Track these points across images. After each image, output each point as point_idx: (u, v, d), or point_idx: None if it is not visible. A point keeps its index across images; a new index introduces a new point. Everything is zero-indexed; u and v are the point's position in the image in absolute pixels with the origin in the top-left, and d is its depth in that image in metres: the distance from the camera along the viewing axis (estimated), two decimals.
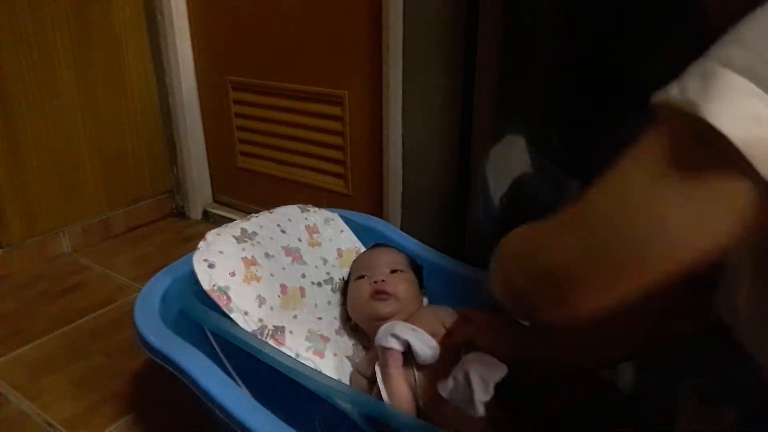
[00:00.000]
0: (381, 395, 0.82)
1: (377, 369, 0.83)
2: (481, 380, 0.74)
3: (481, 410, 0.72)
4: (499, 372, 0.75)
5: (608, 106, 1.06)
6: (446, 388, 0.76)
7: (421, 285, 1.06)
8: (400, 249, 1.12)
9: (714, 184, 0.43)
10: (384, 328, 0.84)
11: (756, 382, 0.54)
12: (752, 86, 0.41)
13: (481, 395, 0.73)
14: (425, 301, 1.04)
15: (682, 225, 0.44)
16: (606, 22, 1.02)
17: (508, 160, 1.26)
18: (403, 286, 0.99)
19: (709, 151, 0.42)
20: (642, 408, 0.84)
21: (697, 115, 0.41)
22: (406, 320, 0.94)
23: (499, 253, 0.63)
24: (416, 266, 1.08)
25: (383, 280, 0.99)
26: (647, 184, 0.45)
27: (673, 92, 0.44)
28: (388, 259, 1.05)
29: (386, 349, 0.82)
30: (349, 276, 1.08)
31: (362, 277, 1.02)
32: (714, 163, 0.42)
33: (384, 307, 0.96)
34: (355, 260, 1.11)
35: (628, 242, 0.46)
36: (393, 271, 1.01)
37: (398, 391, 0.81)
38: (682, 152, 0.44)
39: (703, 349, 0.72)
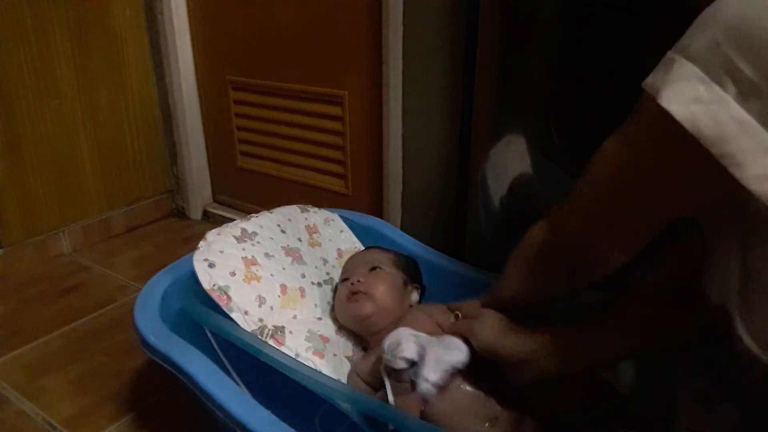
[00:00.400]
0: (386, 399, 0.82)
1: (388, 385, 0.82)
2: (435, 361, 0.76)
3: (423, 387, 0.75)
4: (456, 356, 0.78)
5: (608, 106, 1.06)
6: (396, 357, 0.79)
7: (415, 281, 1.05)
8: (395, 249, 1.11)
9: (676, 156, 0.52)
10: (390, 345, 0.82)
11: (755, 383, 0.54)
12: (699, 72, 0.48)
13: (429, 374, 0.75)
14: (415, 297, 1.03)
15: (660, 187, 0.55)
16: (606, 22, 1.02)
17: (508, 160, 1.26)
18: (380, 284, 0.98)
19: (668, 127, 0.49)
20: (642, 408, 0.84)
21: (655, 99, 0.50)
22: (399, 322, 0.94)
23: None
24: (405, 264, 1.06)
25: (359, 280, 0.98)
26: (631, 156, 0.58)
27: (649, 79, 0.53)
28: (369, 258, 1.04)
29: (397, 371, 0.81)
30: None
31: (345, 280, 1.02)
32: (672, 137, 0.50)
33: (359, 309, 0.96)
34: (344, 264, 1.11)
35: (622, 200, 0.60)
36: (372, 269, 1.01)
37: (410, 406, 0.81)
38: (654, 129, 0.54)
39: (702, 349, 0.72)
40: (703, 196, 0.53)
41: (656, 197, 0.56)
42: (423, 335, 0.83)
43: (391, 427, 0.75)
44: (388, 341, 0.82)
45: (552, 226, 0.73)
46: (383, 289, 0.97)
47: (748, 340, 0.52)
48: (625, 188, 0.59)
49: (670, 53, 0.51)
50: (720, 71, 0.46)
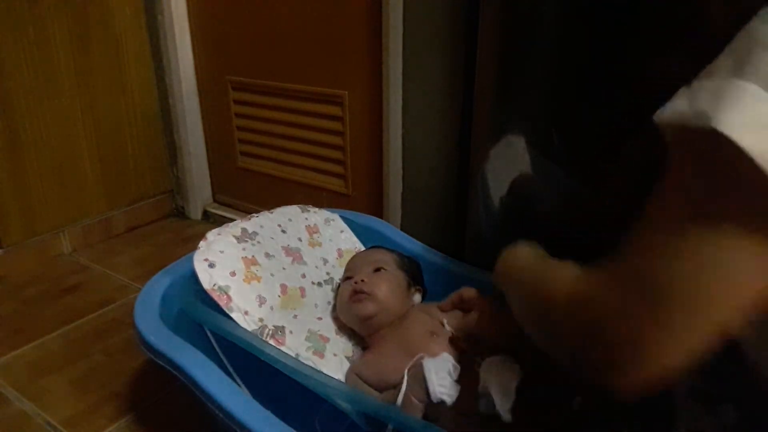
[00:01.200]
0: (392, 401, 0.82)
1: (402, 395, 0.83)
2: (502, 392, 0.76)
3: (508, 417, 0.75)
4: (515, 378, 0.78)
5: (609, 106, 1.06)
6: (479, 403, 0.78)
7: (417, 283, 1.05)
8: (396, 249, 1.11)
9: (749, 212, 0.40)
10: (428, 371, 0.81)
11: (754, 383, 0.54)
12: (762, 92, 0.39)
13: (505, 404, 0.75)
14: (417, 298, 1.04)
15: (735, 264, 0.41)
16: (607, 21, 1.02)
17: (508, 161, 1.26)
18: (384, 284, 0.98)
19: (733, 173, 0.39)
20: (641, 407, 0.84)
21: (710, 126, 0.39)
22: (402, 322, 0.94)
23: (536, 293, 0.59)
24: (409, 265, 1.07)
25: (362, 280, 0.98)
26: (688, 230, 0.42)
27: (680, 107, 0.42)
28: (373, 258, 1.05)
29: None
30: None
31: (348, 279, 1.02)
32: (742, 187, 0.39)
33: (362, 309, 0.96)
34: (347, 263, 1.11)
35: (684, 289, 0.42)
36: (377, 270, 1.01)
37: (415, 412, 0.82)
38: (708, 181, 0.42)
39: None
40: None
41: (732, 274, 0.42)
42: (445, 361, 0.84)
43: (391, 427, 0.75)
44: (423, 369, 0.82)
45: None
46: (386, 289, 0.98)
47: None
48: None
49: (712, 79, 0.42)
50: None
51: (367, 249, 1.14)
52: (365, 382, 0.92)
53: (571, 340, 0.52)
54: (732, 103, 0.39)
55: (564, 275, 0.56)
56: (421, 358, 0.83)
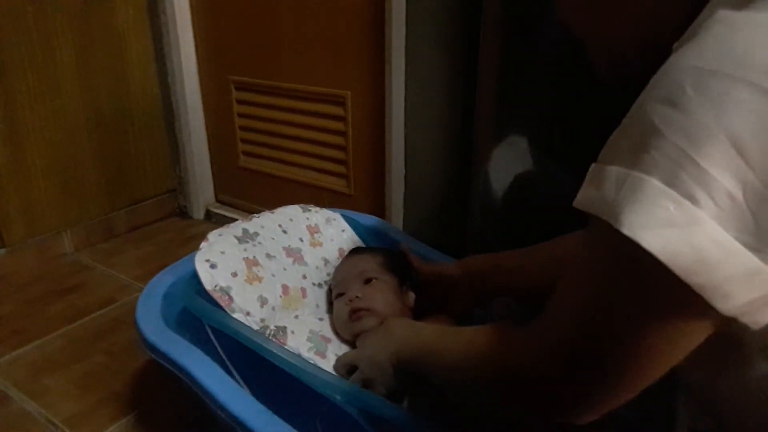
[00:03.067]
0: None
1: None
2: None
3: None
4: None
5: (610, 106, 1.06)
6: None
7: (406, 279, 1.04)
8: (393, 248, 1.10)
9: (649, 300, 0.43)
10: None
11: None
12: (663, 186, 0.40)
13: None
14: (411, 296, 1.02)
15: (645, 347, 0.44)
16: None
17: (510, 160, 1.26)
18: (379, 295, 0.97)
19: (632, 260, 0.41)
20: (641, 406, 0.84)
21: (614, 226, 0.41)
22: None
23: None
24: (394, 264, 1.04)
25: (357, 297, 0.96)
26: (606, 305, 0.46)
27: (591, 194, 0.44)
28: (360, 269, 1.02)
29: None
30: (329, 290, 1.06)
31: (340, 295, 0.99)
32: (645, 280, 0.42)
33: (365, 325, 0.94)
34: (333, 273, 1.08)
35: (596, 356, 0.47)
36: (367, 281, 0.98)
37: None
38: (612, 271, 0.45)
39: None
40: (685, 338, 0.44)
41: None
42: None
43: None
44: None
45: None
46: (382, 300, 0.96)
47: None
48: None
49: (614, 168, 0.43)
50: (690, 182, 0.39)
51: (349, 255, 1.09)
52: None
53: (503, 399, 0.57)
54: (633, 201, 0.40)
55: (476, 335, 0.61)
56: None
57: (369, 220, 1.29)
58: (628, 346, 0.44)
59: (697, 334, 0.43)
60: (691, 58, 0.41)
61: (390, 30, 1.37)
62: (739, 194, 0.38)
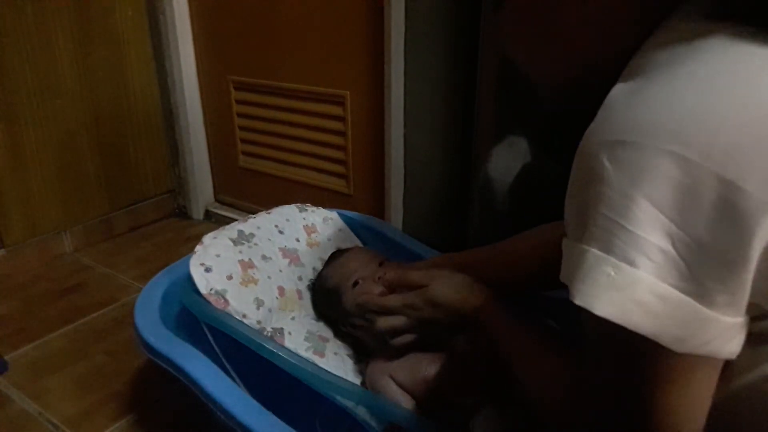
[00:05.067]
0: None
1: None
2: None
3: None
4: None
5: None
6: None
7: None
8: (394, 249, 1.10)
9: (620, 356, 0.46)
10: None
11: None
12: (600, 253, 0.43)
13: None
14: None
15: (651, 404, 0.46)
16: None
17: (510, 160, 1.26)
18: (399, 272, 0.95)
19: (599, 325, 0.44)
20: None
21: (572, 300, 0.44)
22: None
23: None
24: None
25: (384, 274, 0.92)
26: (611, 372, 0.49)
27: (564, 266, 0.48)
28: (369, 255, 1.01)
29: None
30: (326, 291, 1.01)
31: (358, 282, 0.95)
32: (609, 341, 0.46)
33: None
34: (326, 276, 1.04)
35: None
36: (381, 264, 0.98)
37: None
38: (596, 335, 0.48)
39: None
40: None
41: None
42: None
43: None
44: None
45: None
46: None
47: None
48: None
49: (567, 242, 0.47)
50: (623, 246, 0.42)
51: (344, 253, 1.06)
52: (401, 385, 0.85)
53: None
54: (579, 272, 0.44)
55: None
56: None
57: (366, 219, 1.29)
58: (635, 394, 0.47)
59: (693, 368, 0.45)
60: (602, 132, 0.44)
61: (389, 30, 1.37)
62: (669, 247, 0.41)
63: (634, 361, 0.45)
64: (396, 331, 0.83)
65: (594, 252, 0.43)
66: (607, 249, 0.43)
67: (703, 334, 0.42)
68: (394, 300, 0.83)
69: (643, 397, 0.46)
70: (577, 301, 0.44)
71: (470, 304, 0.77)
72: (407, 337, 0.84)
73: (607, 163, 0.42)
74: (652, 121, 0.42)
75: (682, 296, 0.41)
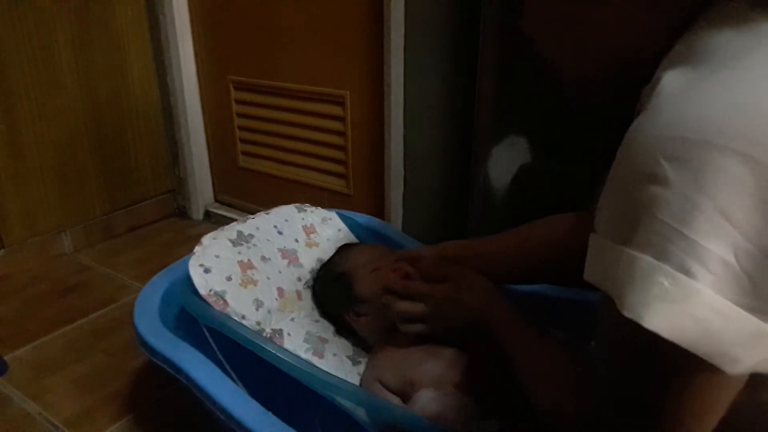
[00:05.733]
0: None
1: None
2: None
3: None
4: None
5: (611, 105, 1.06)
6: None
7: None
8: (394, 249, 1.10)
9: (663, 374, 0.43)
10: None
11: None
12: (655, 262, 0.39)
13: None
14: None
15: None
16: None
17: (510, 160, 1.26)
18: (413, 270, 0.97)
19: (640, 335, 0.40)
20: None
21: (619, 310, 0.41)
22: None
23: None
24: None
25: (401, 267, 0.95)
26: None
27: (595, 270, 0.44)
28: (385, 250, 1.02)
29: None
30: (335, 276, 1.02)
31: (377, 269, 0.96)
32: (649, 346, 0.41)
33: None
34: (337, 262, 1.05)
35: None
36: (397, 259, 0.98)
37: None
38: (621, 348, 0.46)
39: None
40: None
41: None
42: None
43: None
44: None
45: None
46: (418, 275, 0.97)
47: None
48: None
49: (608, 243, 0.43)
50: (681, 255, 0.38)
51: (357, 246, 1.09)
52: (387, 388, 0.87)
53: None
54: (630, 280, 0.40)
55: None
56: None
57: (365, 219, 1.29)
58: (662, 411, 0.44)
59: (727, 387, 0.42)
60: (658, 126, 0.40)
61: (389, 30, 1.37)
62: (731, 259, 0.38)
63: (672, 376, 0.42)
64: (410, 318, 0.83)
65: (647, 259, 0.39)
66: (663, 257, 0.39)
67: (759, 355, 0.39)
68: (420, 287, 0.83)
69: (670, 412, 0.43)
70: (626, 312, 0.40)
71: (490, 313, 0.76)
72: (418, 326, 0.84)
73: (665, 163, 0.38)
74: (719, 117, 0.38)
75: (744, 313, 0.38)
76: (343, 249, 1.08)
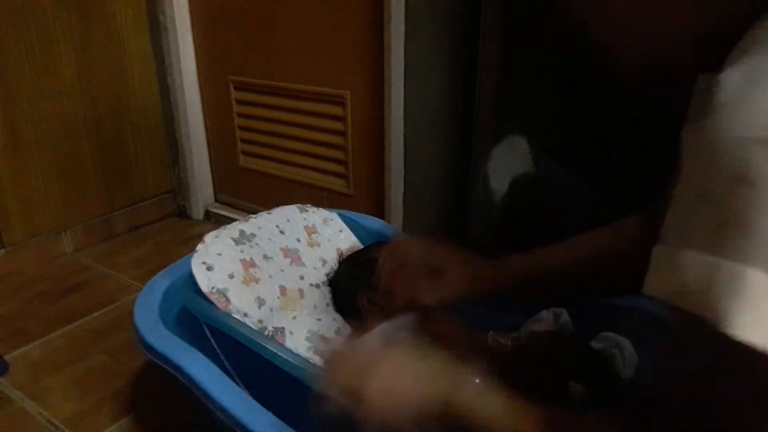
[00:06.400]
0: None
1: None
2: None
3: None
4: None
5: (610, 105, 1.06)
6: None
7: None
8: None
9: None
10: None
11: None
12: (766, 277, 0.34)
13: None
14: None
15: None
16: None
17: (510, 160, 1.26)
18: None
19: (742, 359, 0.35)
20: (641, 395, 0.84)
21: (722, 330, 0.35)
22: None
23: None
24: None
25: None
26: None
27: (669, 285, 0.38)
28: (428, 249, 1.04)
29: None
30: (366, 259, 1.03)
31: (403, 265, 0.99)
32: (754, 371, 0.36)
33: None
34: (372, 248, 1.07)
35: None
36: None
37: None
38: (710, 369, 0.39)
39: None
40: None
41: None
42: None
43: None
44: None
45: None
46: None
47: None
48: None
49: (694, 254, 0.37)
50: None
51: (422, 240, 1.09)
52: None
53: None
54: (735, 297, 0.35)
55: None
56: None
57: (366, 220, 1.30)
58: None
59: None
60: (750, 124, 0.35)
61: (389, 30, 1.37)
62: None
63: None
64: None
65: (756, 274, 0.34)
66: None
67: None
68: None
69: None
70: (740, 334, 0.35)
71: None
72: None
73: (764, 164, 0.34)
74: None
75: None
76: (378, 242, 1.10)
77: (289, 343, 0.92)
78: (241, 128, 1.88)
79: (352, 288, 1.03)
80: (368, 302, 0.98)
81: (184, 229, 1.98)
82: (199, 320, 0.92)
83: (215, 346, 0.91)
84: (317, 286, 1.09)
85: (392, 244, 0.93)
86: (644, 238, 0.44)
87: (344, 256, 1.13)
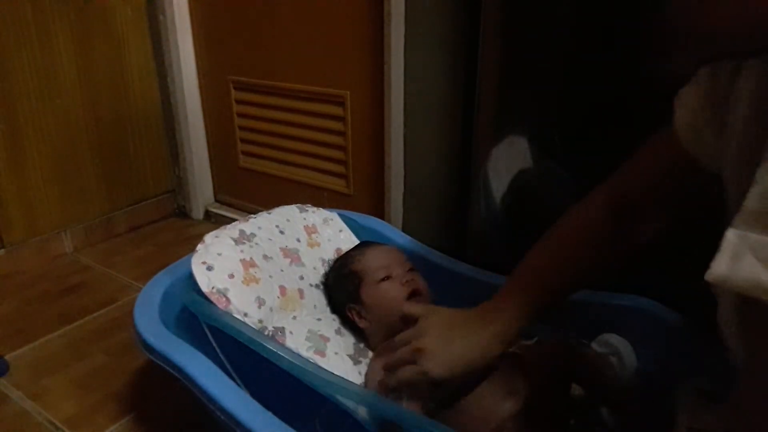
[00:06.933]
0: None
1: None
2: None
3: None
4: None
5: (610, 105, 1.06)
6: None
7: None
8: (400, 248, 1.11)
9: None
10: None
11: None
12: None
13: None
14: None
15: None
16: (608, 21, 1.02)
17: (510, 160, 1.26)
18: (424, 284, 0.99)
19: None
20: (642, 404, 0.84)
21: None
22: None
23: None
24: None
25: (413, 279, 0.98)
26: None
27: (748, 272, 0.35)
28: (404, 257, 1.04)
29: None
30: (348, 272, 1.04)
31: (387, 278, 0.98)
32: None
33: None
34: (354, 256, 1.07)
35: None
36: (411, 270, 1.01)
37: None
38: None
39: (702, 348, 0.72)
40: None
41: None
42: None
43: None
44: None
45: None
46: (427, 289, 0.99)
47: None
48: None
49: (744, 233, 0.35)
50: None
51: (377, 246, 1.09)
52: None
53: None
54: None
55: None
56: None
57: (366, 220, 1.30)
58: None
59: None
60: None
61: (389, 30, 1.37)
62: None
63: None
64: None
65: None
66: None
67: None
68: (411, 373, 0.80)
69: None
70: None
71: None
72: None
73: None
74: None
75: None
76: (361, 246, 1.10)
77: (290, 343, 0.92)
78: (241, 128, 1.88)
79: (342, 302, 1.04)
80: (358, 316, 1.01)
81: (184, 229, 1.98)
82: (199, 320, 0.92)
83: (215, 346, 0.91)
84: (317, 286, 1.09)
85: (375, 258, 1.00)
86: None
87: (331, 263, 1.13)
